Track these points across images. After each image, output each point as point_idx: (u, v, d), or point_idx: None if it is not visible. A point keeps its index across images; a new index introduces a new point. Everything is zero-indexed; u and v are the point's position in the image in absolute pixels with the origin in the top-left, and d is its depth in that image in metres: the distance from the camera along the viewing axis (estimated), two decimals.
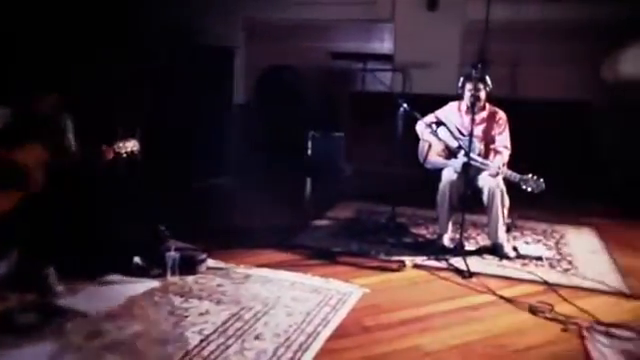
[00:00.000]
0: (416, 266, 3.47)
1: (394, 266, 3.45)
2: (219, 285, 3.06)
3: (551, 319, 2.79)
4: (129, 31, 5.37)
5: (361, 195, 5.27)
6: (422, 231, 4.24)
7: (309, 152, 6.57)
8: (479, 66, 3.77)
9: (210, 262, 3.33)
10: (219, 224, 4.27)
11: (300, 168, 6.42)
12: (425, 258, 3.58)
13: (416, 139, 4.06)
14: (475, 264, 3.47)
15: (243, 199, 5.23)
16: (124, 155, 3.21)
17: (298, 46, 7.57)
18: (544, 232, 4.31)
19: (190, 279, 3.11)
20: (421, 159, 4.04)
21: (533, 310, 2.87)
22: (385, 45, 7.42)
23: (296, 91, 7.22)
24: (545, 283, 3.25)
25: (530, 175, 3.56)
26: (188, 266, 3.18)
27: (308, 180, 6.15)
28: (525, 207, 4.37)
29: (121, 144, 3.18)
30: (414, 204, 4.65)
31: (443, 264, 3.50)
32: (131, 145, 3.22)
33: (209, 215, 4.54)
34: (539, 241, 4.09)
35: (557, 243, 4.06)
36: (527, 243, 4.02)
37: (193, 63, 5.73)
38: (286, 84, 7.28)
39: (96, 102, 4.25)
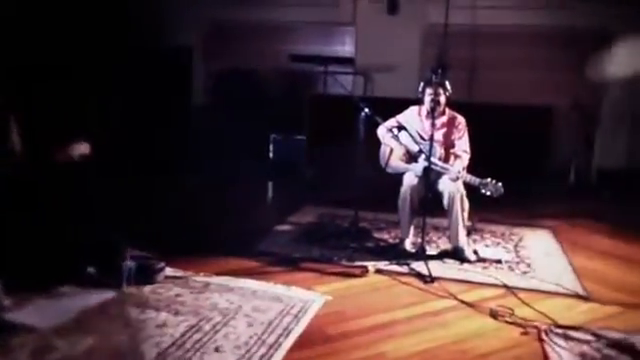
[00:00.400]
0: (378, 271, 3.46)
1: (357, 272, 3.43)
2: (177, 295, 2.96)
3: (511, 323, 2.82)
4: (83, 30, 5.19)
5: (323, 199, 5.24)
6: (384, 235, 4.24)
7: (271, 155, 6.52)
8: (439, 71, 3.80)
9: (168, 270, 3.23)
10: (178, 230, 4.16)
11: (262, 172, 6.36)
12: (387, 263, 3.58)
13: (377, 143, 4.05)
14: (436, 268, 3.49)
15: (203, 204, 5.11)
16: (76, 158, 3.08)
17: (259, 48, 7.52)
18: (503, 235, 4.39)
19: (147, 289, 3.01)
20: (382, 163, 4.04)
21: (494, 314, 2.90)
22: (347, 48, 7.45)
23: (257, 93, 7.16)
24: (505, 286, 3.29)
25: (489, 179, 3.61)
26: (145, 275, 3.07)
27: (270, 184, 6.08)
28: (485, 210, 4.45)
29: (73, 146, 3.05)
30: (376, 208, 4.65)
31: (405, 269, 3.50)
32: (83, 148, 3.09)
33: (167, 221, 4.41)
34: (498, 244, 4.15)
35: (516, 246, 4.13)
36: (487, 246, 4.07)
37: (148, 64, 5.59)
38: (247, 86, 7.20)
39: (47, 102, 4.07)
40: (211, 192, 5.49)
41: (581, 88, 6.25)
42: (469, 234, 4.21)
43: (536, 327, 2.77)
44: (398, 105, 4.10)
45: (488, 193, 3.60)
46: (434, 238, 4.20)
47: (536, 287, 3.32)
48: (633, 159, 6.54)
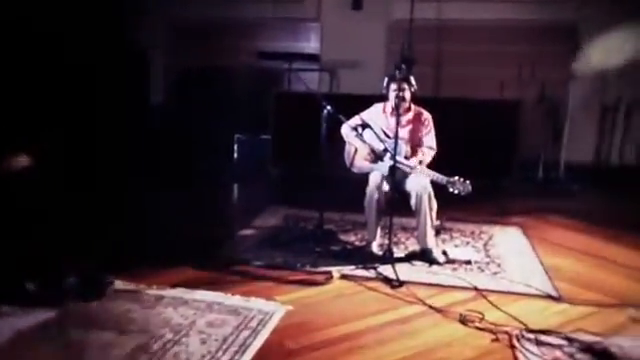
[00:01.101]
0: (344, 277, 3.29)
1: (320, 278, 3.25)
2: (127, 310, 2.74)
3: (481, 329, 2.69)
4: (30, 28, 4.87)
5: (289, 200, 5.05)
6: (351, 238, 4.08)
7: (235, 156, 6.30)
8: (403, 66, 3.65)
9: (118, 284, 3.00)
10: (131, 238, 3.90)
11: (226, 173, 6.14)
12: (353, 268, 3.41)
13: (342, 142, 3.89)
14: (404, 271, 3.34)
15: (160, 209, 4.86)
16: (16, 170, 2.83)
17: (223, 45, 7.31)
18: (472, 234, 4.27)
19: (93, 305, 2.77)
20: (347, 163, 3.88)
21: (463, 320, 2.76)
22: (312, 44, 7.29)
23: (221, 92, 6.93)
24: (475, 289, 3.17)
25: (457, 177, 3.48)
26: (91, 290, 2.84)
27: (234, 186, 5.87)
28: (453, 209, 4.34)
29: (12, 158, 2.80)
30: (343, 209, 4.49)
31: (372, 273, 3.35)
32: (22, 160, 2.84)
33: (119, 229, 4.13)
34: (468, 243, 4.03)
35: (485, 245, 4.02)
36: (456, 246, 3.95)
37: (105, 63, 5.31)
38: (210, 84, 6.97)
39: None
40: (169, 196, 5.23)
41: (548, 82, 6.21)
42: (438, 234, 4.09)
43: (507, 333, 2.64)
44: (364, 102, 3.94)
45: (456, 192, 3.47)
46: (402, 239, 4.06)
47: (507, 289, 3.20)
48: (601, 153, 6.56)
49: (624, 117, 6.45)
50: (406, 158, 3.64)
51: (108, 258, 3.12)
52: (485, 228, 4.43)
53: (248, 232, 4.20)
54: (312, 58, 6.67)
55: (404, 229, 4.23)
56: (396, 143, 3.45)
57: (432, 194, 3.57)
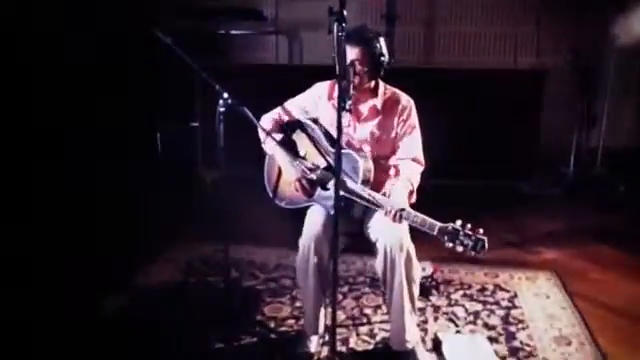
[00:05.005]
0: None
1: None
2: None
3: None
4: None
5: (212, 224, 3.36)
6: (283, 311, 2.44)
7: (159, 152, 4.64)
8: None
9: None
10: None
11: (148, 176, 4.43)
12: None
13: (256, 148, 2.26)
14: None
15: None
16: None
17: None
18: (483, 290, 2.66)
19: None
20: (269, 190, 2.25)
21: None
22: None
23: (134, 67, 5.09)
24: None
25: (459, 223, 1.83)
26: None
27: (150, 196, 4.15)
28: None
29: None
30: (284, 242, 2.81)
31: None
32: None
33: None
34: (476, 315, 2.43)
35: (507, 316, 2.42)
36: (458, 328, 2.34)
37: None
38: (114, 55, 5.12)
39: None
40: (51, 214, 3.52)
41: (581, 44, 4.50)
42: (426, 295, 2.51)
43: None
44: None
45: (459, 249, 1.84)
46: (367, 310, 2.45)
47: None
48: None
49: None
50: (366, 182, 2.01)
51: None
52: (502, 277, 2.81)
53: (141, 281, 2.59)
54: (254, 15, 4.83)
55: (374, 283, 2.62)
56: (338, 153, 1.77)
57: (412, 251, 1.95)
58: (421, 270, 2.59)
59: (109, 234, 3.25)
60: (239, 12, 4.69)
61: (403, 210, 1.88)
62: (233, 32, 4.82)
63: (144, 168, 4.43)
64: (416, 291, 2.00)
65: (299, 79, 2.27)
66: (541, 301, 2.56)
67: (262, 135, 2.16)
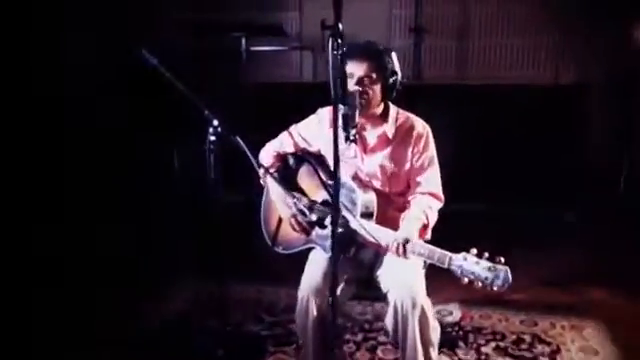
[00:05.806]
0: None
1: None
2: None
3: None
4: None
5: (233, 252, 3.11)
6: None
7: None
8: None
9: None
10: None
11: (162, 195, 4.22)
12: None
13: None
14: None
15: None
16: None
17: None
18: (519, 342, 2.30)
19: None
20: (266, 237, 1.99)
21: None
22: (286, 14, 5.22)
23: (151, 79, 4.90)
24: None
25: (474, 252, 1.51)
26: None
27: (165, 218, 3.93)
28: None
29: None
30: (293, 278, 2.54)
31: None
32: None
33: None
34: None
35: None
36: None
37: None
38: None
39: None
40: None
41: (622, 57, 4.08)
42: (451, 347, 2.18)
43: None
44: None
45: (478, 284, 1.51)
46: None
47: None
48: None
49: None
50: (368, 217, 1.72)
51: None
52: (541, 325, 2.44)
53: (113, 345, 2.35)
54: (275, 31, 4.57)
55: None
56: (337, 182, 1.45)
57: (428, 307, 1.64)
58: (449, 315, 2.30)
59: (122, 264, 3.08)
60: (260, 28, 4.46)
61: (407, 242, 1.59)
62: (253, 49, 4.60)
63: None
64: (434, 354, 1.68)
65: (324, 97, 2.02)
66: (588, 358, 2.19)
67: (262, 168, 1.90)
